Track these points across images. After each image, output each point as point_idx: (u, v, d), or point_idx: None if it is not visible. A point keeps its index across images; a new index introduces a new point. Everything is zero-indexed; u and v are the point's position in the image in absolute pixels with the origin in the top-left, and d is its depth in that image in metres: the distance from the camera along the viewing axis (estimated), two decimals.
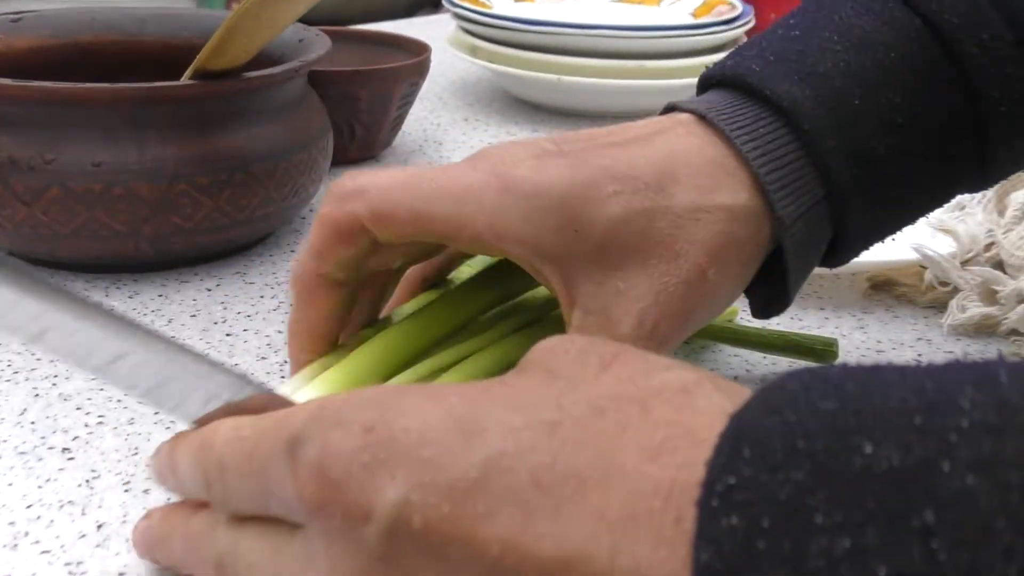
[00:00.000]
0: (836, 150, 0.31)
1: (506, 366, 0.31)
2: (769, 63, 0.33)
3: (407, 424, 0.21)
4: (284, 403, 0.27)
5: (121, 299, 0.46)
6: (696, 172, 0.31)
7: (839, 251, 0.34)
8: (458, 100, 0.80)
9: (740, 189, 0.31)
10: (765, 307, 0.34)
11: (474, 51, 0.78)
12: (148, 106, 0.45)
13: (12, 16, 0.55)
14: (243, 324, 0.45)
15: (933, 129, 0.32)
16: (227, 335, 0.44)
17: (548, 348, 0.23)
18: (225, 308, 0.46)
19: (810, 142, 0.32)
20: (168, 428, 0.37)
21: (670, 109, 0.35)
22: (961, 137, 0.33)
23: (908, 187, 0.33)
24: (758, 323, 0.42)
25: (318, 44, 0.53)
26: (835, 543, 0.15)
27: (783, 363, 0.43)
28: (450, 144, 0.70)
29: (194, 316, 0.45)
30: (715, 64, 0.35)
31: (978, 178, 0.35)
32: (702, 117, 0.33)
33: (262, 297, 0.47)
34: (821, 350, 0.43)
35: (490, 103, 0.80)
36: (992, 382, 0.16)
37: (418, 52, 0.66)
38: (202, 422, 0.27)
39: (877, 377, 0.17)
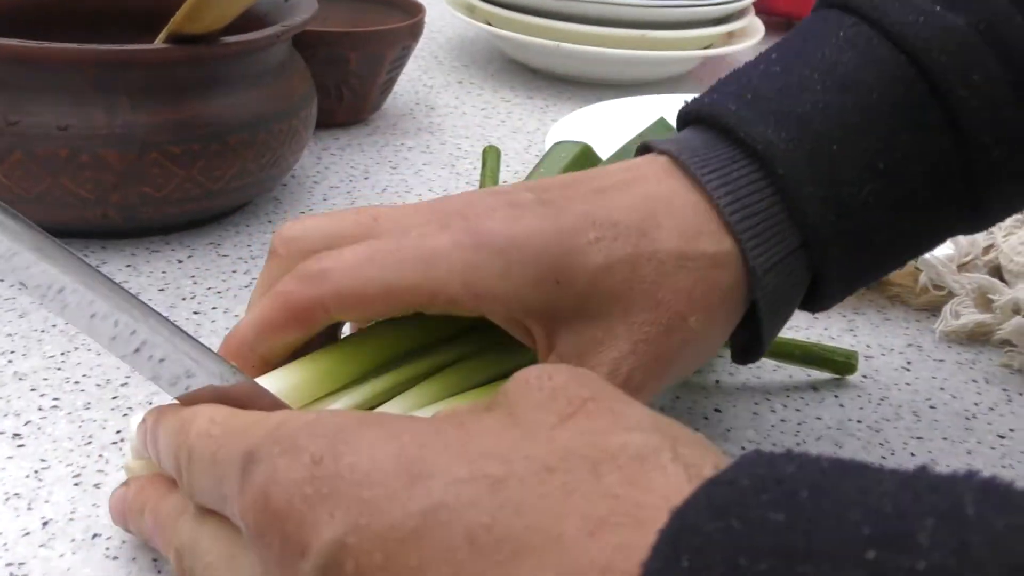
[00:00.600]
0: (813, 196, 0.30)
1: (469, 386, 0.29)
2: (746, 102, 0.31)
3: (354, 460, 0.20)
4: (269, 398, 0.27)
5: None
6: (678, 218, 0.29)
7: (819, 297, 0.33)
8: (453, 60, 0.78)
9: (722, 236, 0.29)
10: (743, 353, 0.33)
11: (472, 11, 0.75)
12: (119, 69, 0.43)
13: None
14: (212, 301, 0.43)
15: (919, 174, 0.31)
16: (195, 312, 0.42)
17: (523, 381, 0.22)
18: (195, 283, 0.45)
19: (785, 188, 0.30)
20: (124, 415, 0.36)
21: (645, 149, 0.33)
22: (950, 182, 0.31)
23: (892, 233, 0.31)
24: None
25: (305, 5, 0.51)
26: None
27: (788, 371, 0.42)
28: (442, 109, 0.68)
29: (162, 290, 0.44)
30: (694, 99, 0.33)
31: (970, 223, 0.33)
32: (676, 159, 0.31)
33: (234, 272, 0.46)
34: (841, 362, 0.41)
35: (486, 65, 0.77)
36: (957, 514, 0.14)
37: (413, 13, 0.63)
38: (186, 401, 0.26)
39: (835, 488, 0.16)
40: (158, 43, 0.44)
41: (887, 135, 0.30)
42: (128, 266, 0.45)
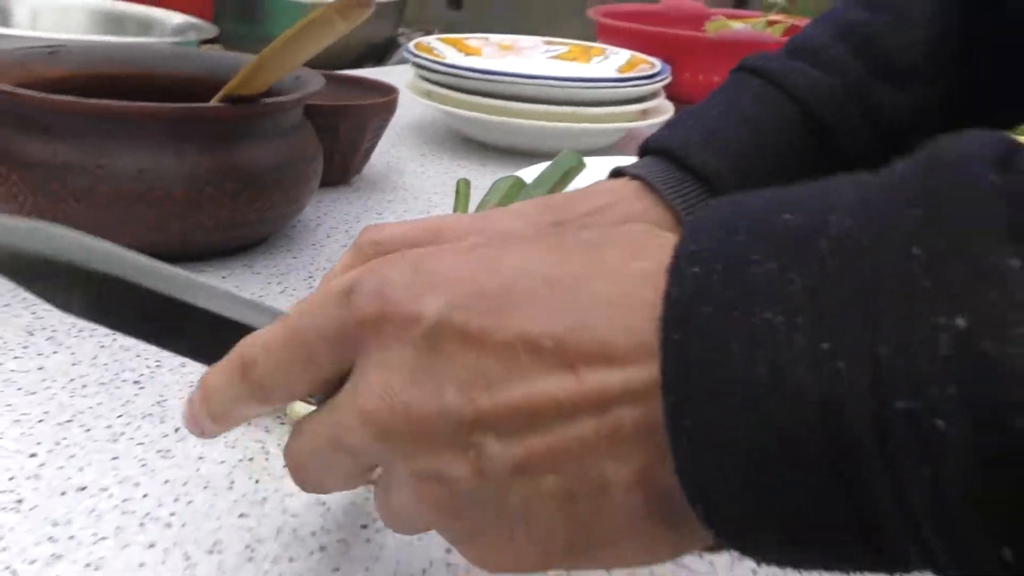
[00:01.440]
0: None
1: None
2: (695, 140, 0.46)
3: (444, 261, 0.26)
4: None
5: None
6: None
7: None
8: (416, 138, 0.92)
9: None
10: None
11: (429, 95, 0.90)
12: (185, 123, 0.55)
13: (49, 49, 0.65)
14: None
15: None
16: None
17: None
18: (240, 291, 0.56)
19: (719, 194, 0.44)
20: None
21: (618, 173, 0.47)
22: None
23: None
24: None
25: (314, 81, 0.64)
26: (764, 268, 0.21)
27: None
28: (411, 174, 0.81)
29: None
30: (653, 135, 0.48)
31: None
32: (645, 182, 0.45)
33: (268, 283, 0.57)
34: None
35: (443, 142, 0.91)
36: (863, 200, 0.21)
37: (387, 93, 0.77)
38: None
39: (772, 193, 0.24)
40: (214, 103, 0.56)
41: (784, 169, 0.45)
42: None
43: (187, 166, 0.55)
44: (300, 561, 0.35)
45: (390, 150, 0.87)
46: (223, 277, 0.58)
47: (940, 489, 0.19)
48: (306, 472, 0.29)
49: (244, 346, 0.28)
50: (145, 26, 1.21)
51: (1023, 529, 0.18)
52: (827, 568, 0.23)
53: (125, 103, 0.54)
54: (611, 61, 0.96)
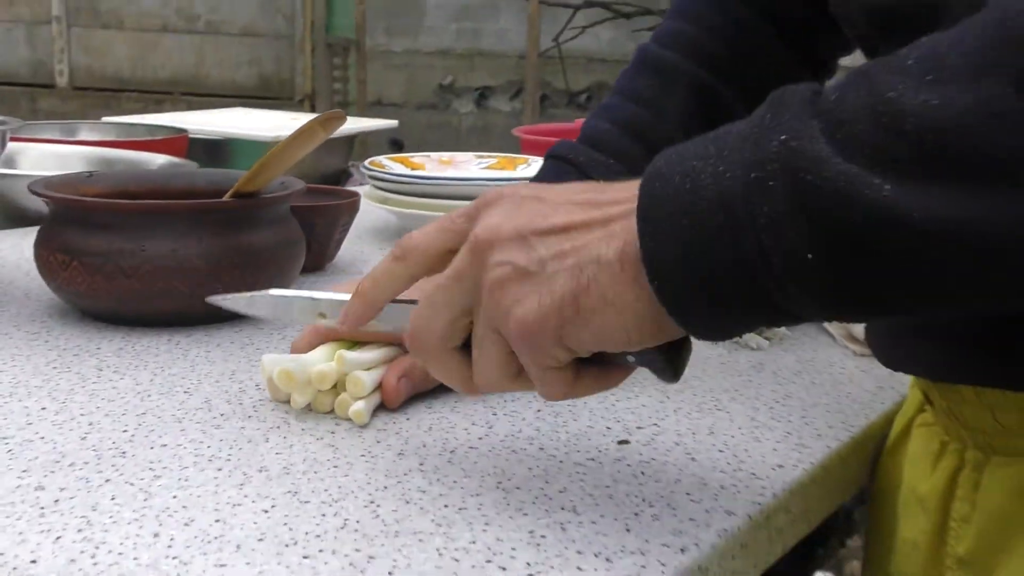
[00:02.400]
0: None
1: None
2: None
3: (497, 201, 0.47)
4: None
5: (187, 344, 0.73)
6: None
7: None
8: (374, 236, 1.11)
9: None
10: None
11: (384, 201, 1.09)
12: (207, 214, 0.74)
13: (87, 174, 0.84)
14: (266, 341, 0.72)
15: None
16: (257, 350, 0.71)
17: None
18: (249, 339, 0.74)
19: None
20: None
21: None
22: None
23: None
24: None
25: (297, 183, 0.83)
26: (694, 148, 0.40)
27: None
28: (372, 263, 1.00)
29: (232, 342, 0.73)
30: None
31: None
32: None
33: (271, 334, 0.75)
34: None
35: (396, 238, 1.10)
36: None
37: (351, 196, 0.96)
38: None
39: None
40: (227, 198, 0.75)
41: None
42: (206, 336, 0.74)
43: (207, 246, 0.73)
44: (329, 477, 0.52)
45: (354, 245, 1.06)
46: (237, 330, 0.75)
47: (778, 223, 0.36)
48: (423, 330, 0.48)
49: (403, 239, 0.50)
50: (133, 167, 1.41)
51: (826, 247, 0.36)
52: (743, 324, 0.41)
53: (162, 202, 0.72)
54: (534, 167, 1.17)
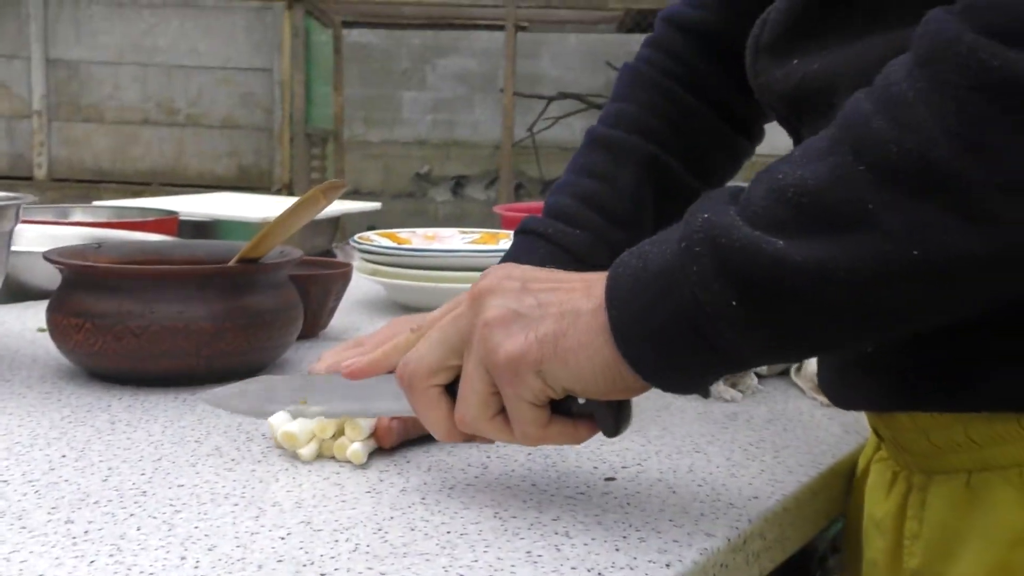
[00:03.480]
0: None
1: None
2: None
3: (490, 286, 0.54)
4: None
5: (193, 400, 0.77)
6: None
7: None
8: (365, 307, 1.16)
9: None
10: None
11: (374, 273, 1.14)
12: (213, 278, 0.78)
13: (96, 244, 0.88)
14: None
15: None
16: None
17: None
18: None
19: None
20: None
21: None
22: None
23: None
24: None
25: (294, 252, 0.88)
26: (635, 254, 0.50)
27: None
28: (363, 331, 1.04)
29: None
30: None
31: None
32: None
33: None
34: None
35: (386, 308, 1.15)
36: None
37: (344, 267, 1.01)
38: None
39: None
40: (232, 263, 0.80)
41: None
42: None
43: (212, 309, 0.78)
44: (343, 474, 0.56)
45: (346, 315, 1.10)
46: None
47: (705, 278, 0.46)
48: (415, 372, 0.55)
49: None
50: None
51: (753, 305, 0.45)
52: (691, 371, 0.49)
53: (171, 267, 0.77)
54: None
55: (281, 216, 0.76)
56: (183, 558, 0.48)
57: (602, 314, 0.49)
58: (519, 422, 0.53)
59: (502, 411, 0.53)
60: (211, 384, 0.79)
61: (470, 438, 0.56)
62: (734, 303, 0.45)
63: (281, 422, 0.64)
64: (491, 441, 0.57)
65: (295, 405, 0.64)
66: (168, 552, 0.49)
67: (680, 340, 0.47)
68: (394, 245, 1.17)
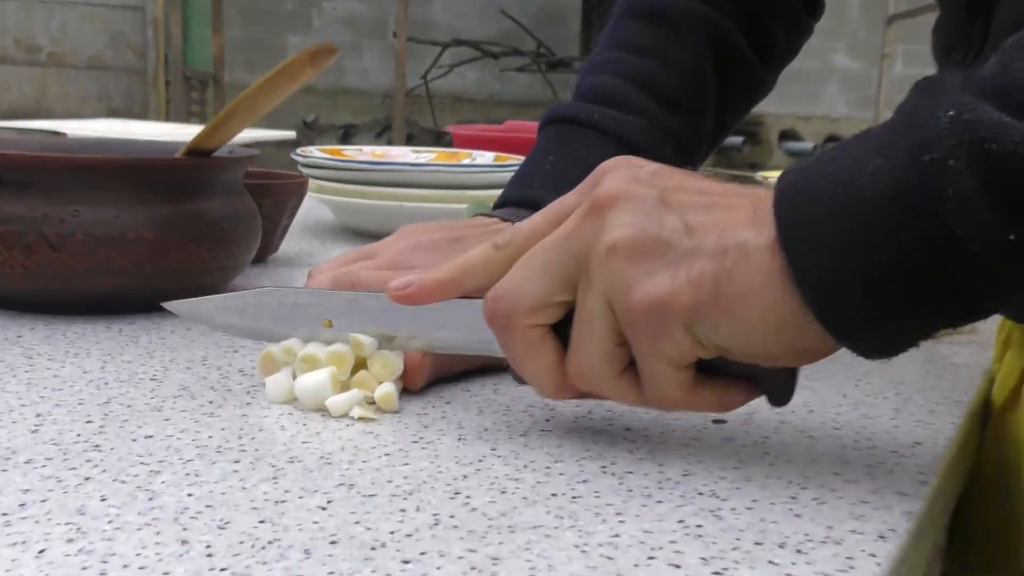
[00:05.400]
0: None
1: None
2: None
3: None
4: None
5: (132, 331, 0.60)
6: None
7: None
8: (314, 232, 0.98)
9: None
10: None
11: (320, 190, 0.97)
12: (157, 173, 0.60)
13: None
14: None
15: None
16: (224, 336, 0.58)
17: None
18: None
19: None
20: None
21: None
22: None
23: None
24: None
25: (247, 152, 0.70)
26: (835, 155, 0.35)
27: None
28: (316, 257, 0.87)
29: (191, 329, 0.59)
30: (510, 190, 0.62)
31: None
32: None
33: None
34: None
35: (337, 235, 0.98)
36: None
37: (299, 177, 0.84)
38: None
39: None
40: (179, 155, 0.62)
41: None
42: (153, 324, 0.60)
43: (156, 212, 0.60)
44: (372, 461, 0.40)
45: (293, 241, 0.93)
46: (187, 329, 0.62)
47: (968, 204, 0.32)
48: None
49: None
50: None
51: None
52: (915, 331, 0.35)
53: (102, 156, 0.59)
54: (480, 160, 1.07)
55: (250, 91, 0.58)
56: (184, 542, 0.32)
57: (781, 253, 0.35)
58: (655, 384, 0.39)
59: (631, 366, 0.39)
60: (147, 312, 0.61)
61: (583, 395, 0.41)
62: (1012, 237, 0.31)
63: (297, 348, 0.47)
64: (604, 398, 0.41)
65: (314, 328, 0.47)
66: (159, 533, 0.32)
67: (910, 287, 0.33)
68: (343, 160, 0.99)
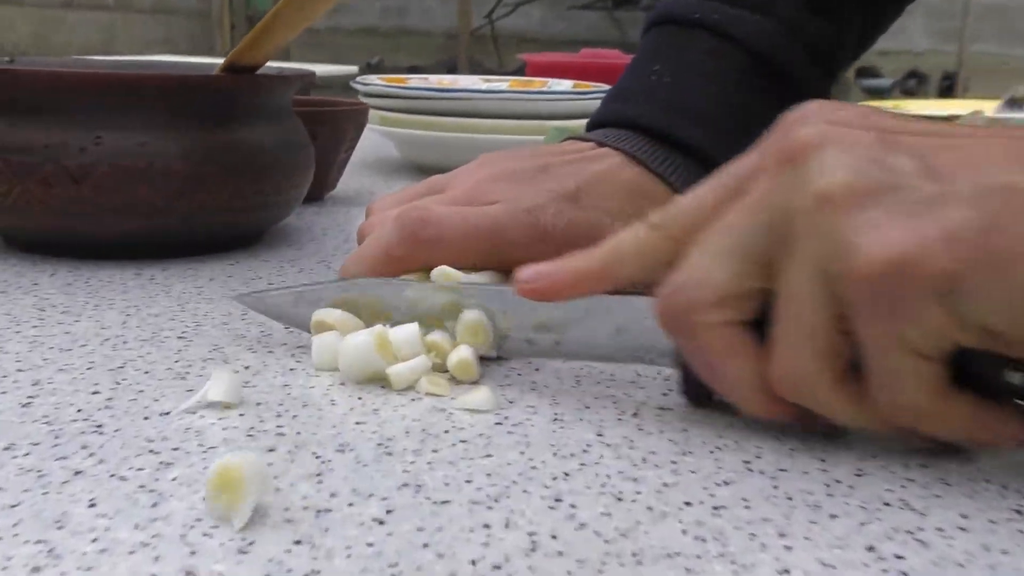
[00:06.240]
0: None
1: None
2: (664, 111, 0.47)
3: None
4: None
5: (164, 278, 0.51)
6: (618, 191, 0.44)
7: None
8: (374, 169, 0.89)
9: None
10: None
11: (385, 121, 0.88)
12: (191, 94, 0.51)
13: (5, 59, 0.60)
14: (281, 273, 0.51)
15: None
16: (270, 285, 0.50)
17: None
18: (256, 276, 0.52)
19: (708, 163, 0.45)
20: None
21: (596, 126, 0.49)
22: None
23: None
24: None
25: (299, 71, 0.61)
26: None
27: None
28: (381, 192, 0.78)
29: (229, 281, 0.51)
30: (610, 109, 0.49)
31: None
32: (633, 157, 0.46)
33: (282, 266, 0.53)
34: None
35: (400, 170, 0.89)
36: None
37: (360, 105, 0.75)
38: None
39: None
40: (218, 73, 0.53)
41: (751, 109, 0.47)
42: (191, 269, 0.52)
43: (189, 139, 0.51)
44: (443, 451, 0.31)
45: (356, 179, 0.84)
46: (232, 262, 0.53)
47: None
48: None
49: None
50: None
51: None
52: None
53: (128, 73, 0.50)
54: (555, 87, 0.97)
55: (285, 2, 0.48)
56: (189, 573, 0.23)
57: None
58: (893, 386, 0.28)
59: (855, 371, 0.29)
60: (183, 257, 0.53)
61: (794, 411, 0.31)
62: None
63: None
64: (823, 423, 0.31)
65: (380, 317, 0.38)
66: (158, 560, 0.24)
67: None
68: (407, 87, 0.90)
